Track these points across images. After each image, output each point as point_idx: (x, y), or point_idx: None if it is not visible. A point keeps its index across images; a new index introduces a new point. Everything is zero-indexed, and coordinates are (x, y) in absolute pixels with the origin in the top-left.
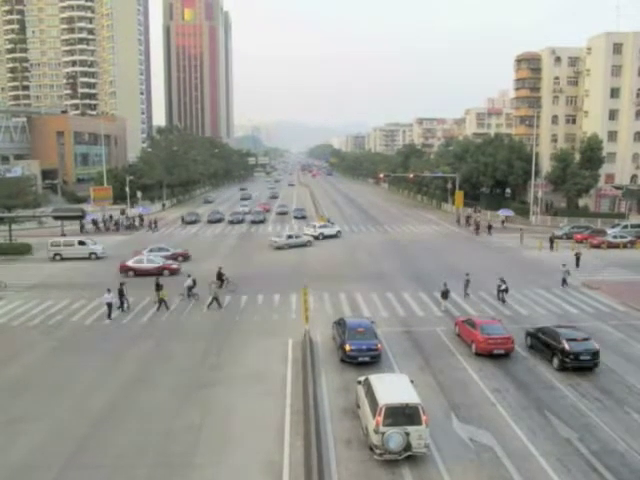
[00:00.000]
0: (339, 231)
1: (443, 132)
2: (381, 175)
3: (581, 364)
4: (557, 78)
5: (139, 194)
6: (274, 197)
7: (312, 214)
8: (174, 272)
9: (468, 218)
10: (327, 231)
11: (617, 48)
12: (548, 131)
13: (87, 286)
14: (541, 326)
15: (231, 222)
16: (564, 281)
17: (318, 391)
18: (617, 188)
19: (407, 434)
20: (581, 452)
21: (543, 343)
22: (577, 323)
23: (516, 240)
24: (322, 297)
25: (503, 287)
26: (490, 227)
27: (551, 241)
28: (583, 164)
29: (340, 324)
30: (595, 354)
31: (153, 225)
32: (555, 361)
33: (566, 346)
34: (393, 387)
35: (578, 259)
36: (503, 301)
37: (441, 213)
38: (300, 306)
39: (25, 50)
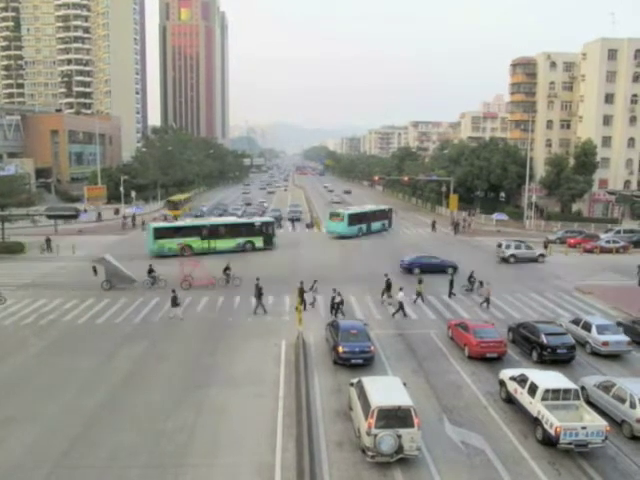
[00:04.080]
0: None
1: (438, 135)
2: (376, 178)
3: (558, 357)
4: (552, 83)
5: (133, 194)
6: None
7: (307, 216)
8: None
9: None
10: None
11: (612, 54)
12: (543, 136)
13: (81, 286)
14: (522, 321)
15: None
16: (398, 311)
17: (311, 393)
18: (611, 193)
19: (399, 436)
20: (572, 455)
21: (523, 337)
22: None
23: None
24: (315, 299)
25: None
26: (457, 225)
27: (545, 245)
28: (577, 169)
29: (333, 326)
30: (571, 348)
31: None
32: (534, 354)
33: (544, 340)
34: (386, 389)
35: (487, 300)
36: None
37: (435, 216)
38: (294, 308)
39: (20, 48)
